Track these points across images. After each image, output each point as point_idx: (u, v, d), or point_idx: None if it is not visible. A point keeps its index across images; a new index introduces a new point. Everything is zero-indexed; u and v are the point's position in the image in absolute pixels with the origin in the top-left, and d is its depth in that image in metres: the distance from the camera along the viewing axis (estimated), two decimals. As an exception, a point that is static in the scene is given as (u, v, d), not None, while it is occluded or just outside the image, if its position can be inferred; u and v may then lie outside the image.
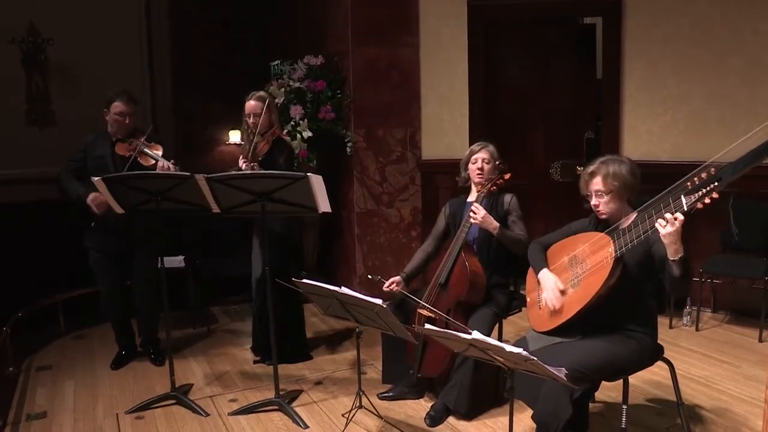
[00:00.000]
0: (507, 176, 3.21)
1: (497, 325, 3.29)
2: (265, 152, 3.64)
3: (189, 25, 5.84)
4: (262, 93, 3.72)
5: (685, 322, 4.38)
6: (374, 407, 3.15)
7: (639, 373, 2.64)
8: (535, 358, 2.00)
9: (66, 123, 5.27)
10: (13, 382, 3.68)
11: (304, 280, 2.85)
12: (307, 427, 3.08)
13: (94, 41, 5.35)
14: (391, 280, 3.31)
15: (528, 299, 2.82)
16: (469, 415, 3.08)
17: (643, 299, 2.56)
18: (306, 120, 4.60)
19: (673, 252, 2.26)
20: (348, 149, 4.72)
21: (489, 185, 3.20)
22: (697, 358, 3.82)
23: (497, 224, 3.13)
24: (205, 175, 3.10)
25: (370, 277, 3.56)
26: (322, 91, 4.66)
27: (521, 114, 5.18)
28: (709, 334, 4.25)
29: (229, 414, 3.23)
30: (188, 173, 3.14)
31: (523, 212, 3.32)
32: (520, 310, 3.30)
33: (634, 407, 3.13)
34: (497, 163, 3.24)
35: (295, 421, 3.11)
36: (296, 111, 4.59)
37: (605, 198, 2.53)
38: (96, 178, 3.21)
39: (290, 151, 3.80)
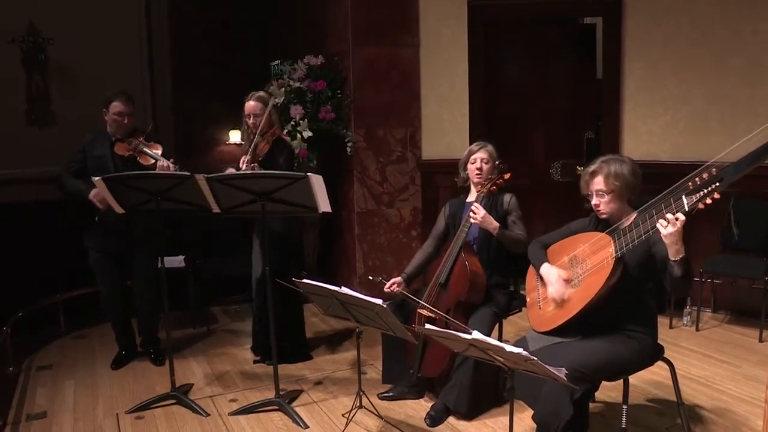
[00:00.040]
0: (507, 176, 3.21)
1: (497, 325, 3.29)
2: (266, 152, 3.64)
3: (189, 25, 5.84)
4: (261, 93, 3.72)
5: (685, 322, 4.38)
6: (374, 407, 3.15)
7: (639, 373, 2.64)
8: (536, 358, 2.00)
9: (66, 123, 5.27)
10: (13, 382, 3.68)
11: (305, 280, 2.85)
12: (307, 427, 3.08)
13: (94, 41, 5.35)
14: (392, 281, 3.31)
15: (528, 299, 2.82)
16: (469, 415, 3.08)
17: (643, 299, 2.56)
18: (306, 120, 4.60)
19: (674, 252, 2.26)
20: (348, 149, 4.72)
21: (489, 185, 3.20)
22: (698, 358, 3.82)
23: (497, 224, 3.13)
24: (205, 175, 3.10)
25: (371, 278, 3.57)
26: (322, 91, 4.66)
27: (521, 114, 5.18)
28: (710, 334, 4.25)
29: (229, 414, 3.23)
30: (188, 173, 3.14)
31: (523, 212, 3.32)
32: (520, 310, 3.30)
33: (634, 407, 3.13)
34: (497, 163, 3.24)
35: (295, 421, 3.11)
36: (296, 111, 4.59)
37: (606, 198, 2.52)
38: (96, 178, 3.21)
39: (290, 151, 3.79)
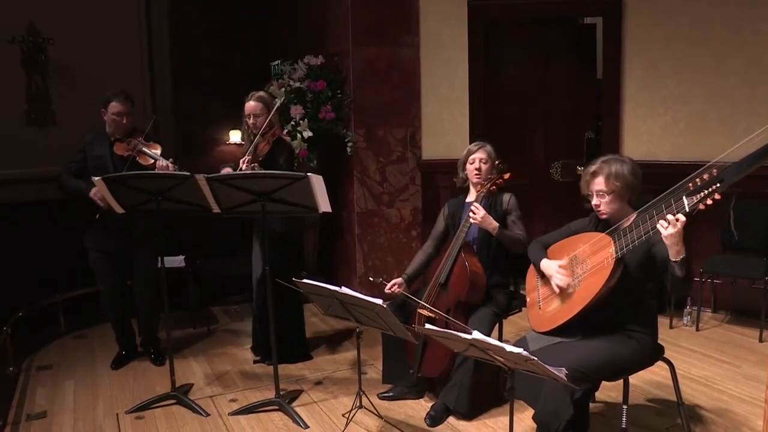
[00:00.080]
0: (506, 176, 3.21)
1: (497, 325, 3.29)
2: (266, 153, 3.64)
3: (189, 25, 5.84)
4: (262, 93, 3.72)
5: (685, 322, 4.38)
6: (374, 407, 3.15)
7: (639, 373, 2.64)
8: (536, 358, 2.00)
9: (66, 123, 5.27)
10: (13, 382, 3.68)
11: (305, 280, 2.85)
12: (307, 427, 3.08)
13: (94, 41, 5.35)
14: (392, 282, 3.31)
15: (528, 299, 2.82)
16: (470, 415, 3.08)
17: (643, 299, 2.55)
18: (306, 120, 4.60)
19: (675, 253, 2.25)
20: (348, 149, 4.72)
21: (489, 185, 3.19)
22: (698, 358, 3.82)
23: (496, 224, 3.13)
24: (206, 175, 3.10)
25: (372, 279, 3.57)
26: (323, 91, 4.66)
27: (521, 114, 5.18)
28: (710, 334, 4.25)
29: (229, 414, 3.23)
30: (188, 173, 3.14)
31: (523, 212, 3.32)
32: (520, 310, 3.30)
33: (634, 407, 3.13)
34: (496, 162, 3.24)
35: (295, 421, 3.11)
36: (296, 111, 4.59)
37: (607, 198, 2.52)
38: (96, 178, 3.22)
39: (290, 151, 3.79)
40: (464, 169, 3.32)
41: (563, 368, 2.07)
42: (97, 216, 3.70)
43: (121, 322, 3.93)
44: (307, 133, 4.58)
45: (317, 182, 3.00)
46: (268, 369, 3.68)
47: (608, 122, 4.91)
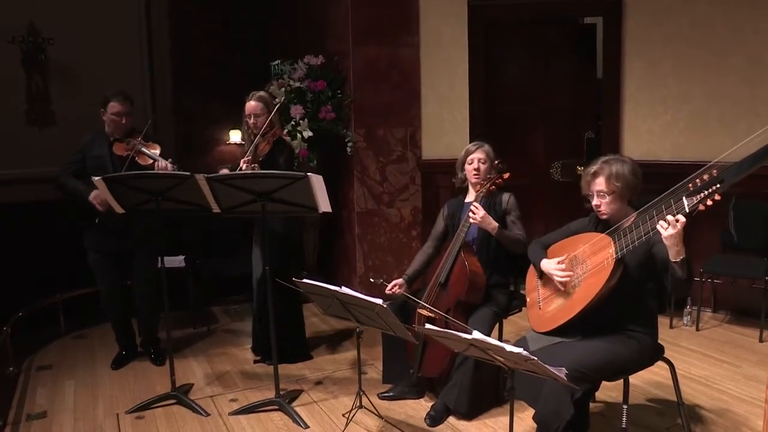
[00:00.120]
0: (506, 176, 3.21)
1: (497, 324, 3.29)
2: (266, 153, 3.64)
3: (189, 25, 5.84)
4: (262, 93, 3.72)
5: (685, 321, 4.38)
6: (374, 407, 3.15)
7: (639, 373, 2.64)
8: (536, 358, 2.00)
9: (66, 123, 5.26)
10: (13, 382, 3.68)
11: (305, 280, 2.85)
12: (307, 426, 3.08)
13: (94, 41, 5.34)
14: (393, 282, 3.31)
15: (528, 299, 2.82)
16: (470, 414, 3.08)
17: (643, 300, 2.55)
18: (306, 120, 4.60)
19: (675, 254, 2.25)
20: (348, 149, 4.72)
21: (488, 185, 3.19)
22: (698, 358, 3.82)
23: (496, 224, 3.13)
24: (206, 175, 3.09)
25: (372, 280, 3.57)
26: (323, 91, 4.65)
27: (521, 114, 5.18)
28: (710, 334, 4.25)
29: (229, 414, 3.23)
30: (188, 173, 3.13)
31: (523, 212, 3.32)
32: (520, 310, 3.30)
33: (634, 407, 3.13)
34: (496, 162, 3.23)
35: (295, 421, 3.11)
36: (296, 111, 4.59)
37: (607, 198, 2.52)
38: (96, 178, 3.21)
39: (290, 151, 3.79)
40: (463, 169, 3.32)
41: (563, 368, 2.07)
42: (97, 221, 3.70)
43: (121, 322, 3.93)
44: (307, 133, 4.58)
45: (317, 182, 3.00)
46: (268, 369, 3.68)
47: (608, 122, 4.91)
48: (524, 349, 2.06)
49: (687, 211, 2.20)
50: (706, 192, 2.16)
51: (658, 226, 2.24)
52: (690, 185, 2.23)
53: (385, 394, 3.33)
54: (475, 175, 3.25)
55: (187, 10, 5.82)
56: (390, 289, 3.30)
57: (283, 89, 4.64)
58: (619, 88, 4.81)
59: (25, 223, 4.85)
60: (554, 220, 4.48)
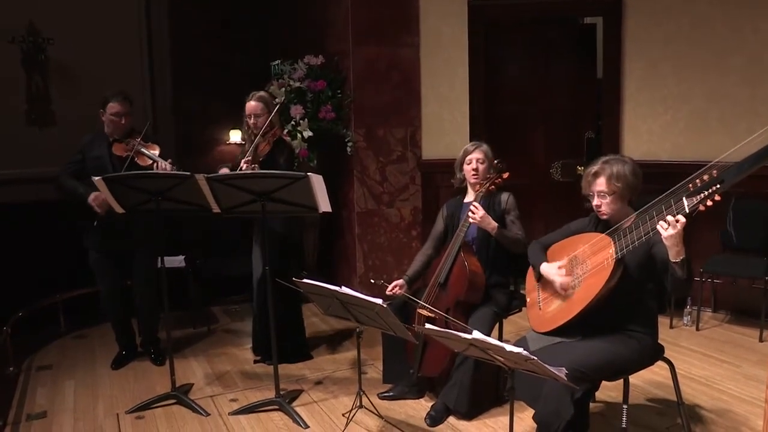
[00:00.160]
0: (505, 175, 3.20)
1: (497, 324, 3.29)
2: (266, 153, 3.63)
3: (189, 25, 5.84)
4: (262, 93, 3.72)
5: (685, 321, 4.38)
6: (374, 407, 3.15)
7: (639, 373, 2.64)
8: (536, 358, 2.00)
9: (66, 123, 5.27)
10: (13, 382, 3.68)
11: (305, 280, 2.85)
12: (307, 426, 3.08)
13: (94, 41, 5.35)
14: (393, 283, 3.32)
15: (528, 299, 2.82)
16: (470, 414, 3.08)
17: (643, 300, 2.55)
18: (306, 120, 4.60)
19: (675, 254, 2.25)
20: (348, 149, 4.72)
21: (488, 184, 3.19)
22: (698, 358, 3.82)
23: (495, 224, 3.13)
24: (206, 175, 3.09)
25: (373, 281, 3.57)
26: (323, 90, 4.66)
27: (521, 114, 5.18)
28: (710, 333, 4.25)
29: (229, 414, 3.23)
30: (188, 173, 3.13)
31: (523, 212, 3.32)
32: (520, 310, 3.30)
33: (634, 407, 3.12)
34: (495, 162, 3.23)
35: (295, 421, 3.11)
36: (296, 111, 4.59)
37: (608, 199, 2.52)
38: (96, 178, 3.21)
39: (291, 151, 3.79)
40: (461, 169, 3.32)
41: (563, 368, 2.07)
42: (95, 223, 3.70)
43: (121, 322, 3.93)
44: (307, 133, 4.58)
45: (317, 182, 3.00)
46: (268, 369, 3.68)
47: (608, 122, 4.91)
48: (524, 349, 2.06)
49: (687, 211, 2.20)
50: (706, 192, 2.16)
51: (658, 227, 2.24)
52: (690, 185, 2.23)
53: (385, 394, 3.33)
54: (473, 175, 3.25)
55: (187, 10, 5.82)
56: (390, 290, 3.30)
57: (283, 89, 4.64)
58: (619, 88, 4.81)
59: (25, 223, 4.85)
60: (554, 220, 4.47)
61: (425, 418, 3.07)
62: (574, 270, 2.58)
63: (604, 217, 2.57)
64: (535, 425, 2.47)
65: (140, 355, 3.99)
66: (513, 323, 4.01)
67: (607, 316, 2.51)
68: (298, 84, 4.64)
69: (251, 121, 3.63)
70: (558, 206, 5.03)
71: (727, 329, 4.32)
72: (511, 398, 2.27)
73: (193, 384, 3.60)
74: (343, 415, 3.15)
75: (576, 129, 5.13)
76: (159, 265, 3.34)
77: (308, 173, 2.99)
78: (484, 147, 3.28)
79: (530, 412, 2.54)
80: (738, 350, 3.92)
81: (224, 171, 3.58)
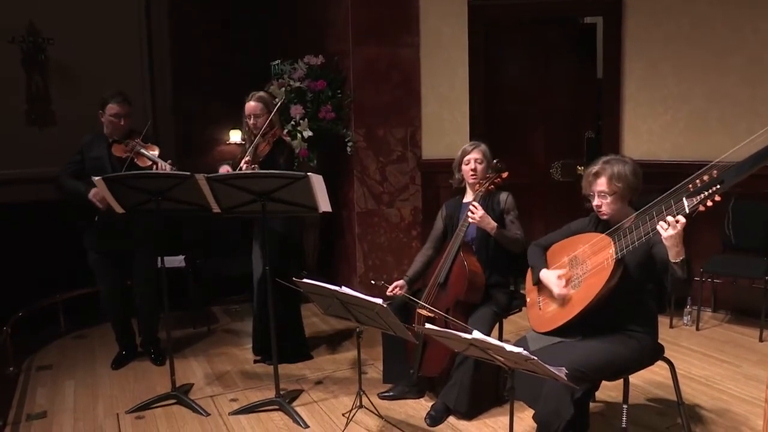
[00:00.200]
0: (504, 175, 3.20)
1: (497, 324, 3.29)
2: (266, 153, 3.63)
3: (189, 25, 5.84)
4: (262, 93, 3.71)
5: (685, 321, 4.38)
6: (375, 407, 3.15)
7: (639, 373, 2.64)
8: (536, 358, 2.00)
9: (66, 123, 5.26)
10: (13, 382, 3.68)
11: (305, 280, 2.85)
12: (307, 426, 3.08)
13: (94, 41, 5.35)
14: (394, 284, 3.32)
15: (528, 299, 2.82)
16: (470, 414, 3.08)
17: (643, 300, 2.55)
18: (306, 119, 4.60)
19: (674, 254, 2.25)
20: (348, 149, 4.72)
21: (487, 184, 3.19)
22: (698, 358, 3.82)
23: (495, 224, 3.13)
24: (206, 175, 3.09)
25: (373, 282, 3.57)
26: (323, 90, 4.65)
27: (522, 114, 5.18)
28: (710, 333, 4.25)
29: (229, 413, 3.23)
30: (188, 173, 3.13)
31: (523, 212, 3.33)
32: (521, 310, 3.30)
33: (634, 407, 3.13)
34: (494, 161, 3.23)
35: (295, 421, 3.11)
36: (296, 111, 4.59)
37: (608, 199, 2.52)
38: (96, 178, 3.21)
39: (291, 151, 3.79)
40: (460, 170, 3.31)
41: (563, 368, 2.07)
42: (96, 218, 3.70)
43: (121, 322, 3.93)
44: (307, 133, 4.58)
45: (317, 182, 3.00)
46: (268, 369, 3.68)
47: (608, 122, 4.91)
48: (524, 349, 2.06)
49: (687, 212, 2.20)
50: (706, 193, 2.16)
51: (658, 227, 2.24)
52: (690, 186, 2.23)
53: (386, 394, 3.33)
54: (472, 175, 3.25)
55: (187, 10, 5.82)
56: (391, 291, 3.30)
57: (283, 89, 4.64)
58: (619, 88, 4.81)
59: (25, 223, 4.85)
60: (554, 220, 4.48)
61: (425, 418, 3.07)
62: (574, 270, 2.58)
63: (605, 217, 2.57)
64: (535, 425, 2.47)
65: (140, 355, 3.99)
66: (513, 323, 4.01)
67: (607, 316, 2.51)
68: (298, 84, 4.64)
69: (251, 122, 3.62)
70: (558, 206, 5.04)
71: (727, 329, 4.32)
72: (511, 398, 2.27)
73: (193, 384, 3.60)
74: (343, 414, 3.15)
75: (576, 129, 5.13)
76: (159, 265, 3.34)
77: (308, 173, 2.99)
78: (482, 147, 3.28)
79: (530, 412, 2.54)
80: (738, 350, 3.92)
81: (225, 169, 3.58)
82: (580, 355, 2.38)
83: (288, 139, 4.30)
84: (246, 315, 4.70)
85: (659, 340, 2.64)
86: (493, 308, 3.17)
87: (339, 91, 4.72)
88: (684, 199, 2.21)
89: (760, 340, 4.06)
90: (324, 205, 3.07)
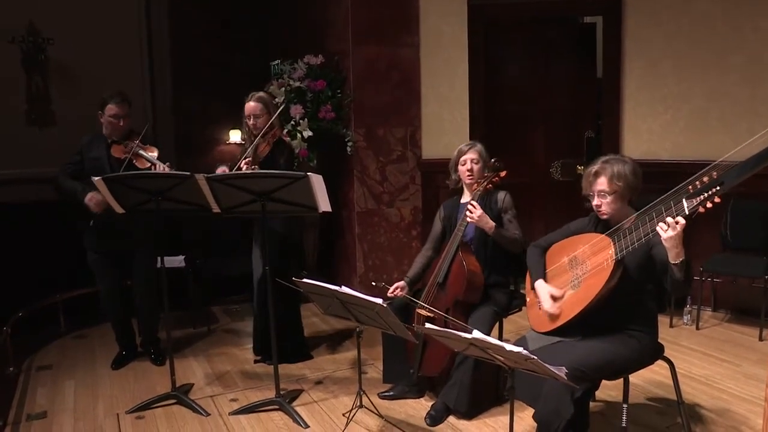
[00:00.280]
0: (503, 174, 3.20)
1: (497, 324, 3.29)
2: (266, 153, 3.63)
3: (189, 25, 5.84)
4: (261, 94, 3.71)
5: (685, 320, 4.38)
6: (375, 407, 3.15)
7: (639, 372, 2.64)
8: (536, 357, 2.00)
9: (66, 123, 5.27)
10: (13, 382, 3.68)
11: (305, 280, 2.85)
12: (307, 426, 3.08)
13: (94, 41, 5.35)
14: (395, 285, 3.32)
15: (528, 299, 2.82)
16: (470, 414, 3.08)
17: (643, 300, 2.55)
18: (306, 119, 4.60)
19: (674, 255, 2.25)
20: (348, 149, 4.72)
21: (485, 183, 3.19)
22: (698, 357, 3.82)
23: (493, 224, 3.12)
24: (205, 175, 3.09)
25: (374, 283, 3.56)
26: (323, 90, 4.65)
27: (521, 113, 5.18)
28: (710, 332, 4.25)
29: (229, 413, 3.23)
30: (188, 173, 3.13)
31: (523, 211, 3.33)
32: (520, 310, 3.30)
33: (634, 406, 3.13)
34: (492, 161, 3.23)
35: (295, 421, 3.11)
36: (296, 110, 4.59)
37: (608, 199, 2.52)
38: (96, 178, 3.21)
39: (291, 151, 3.79)
40: (456, 170, 3.31)
41: (563, 367, 2.07)
42: (91, 223, 3.70)
43: (121, 322, 3.93)
44: (307, 133, 4.58)
45: (317, 182, 3.00)
46: (268, 368, 3.68)
47: (608, 121, 4.91)
48: (524, 349, 2.06)
49: (687, 213, 2.19)
50: (706, 194, 2.16)
51: (657, 228, 2.24)
52: (690, 187, 2.23)
53: (386, 394, 3.33)
54: (468, 176, 3.24)
55: (187, 10, 5.82)
56: (392, 292, 3.30)
57: (283, 89, 4.64)
58: (619, 88, 4.81)
59: (25, 223, 4.85)
60: (554, 220, 4.48)
61: (425, 418, 3.07)
62: (573, 270, 2.58)
63: (604, 216, 2.57)
64: (535, 425, 2.47)
65: (140, 355, 3.99)
66: (513, 323, 4.01)
67: (607, 316, 2.51)
68: (297, 84, 4.64)
69: (251, 122, 3.62)
70: (558, 206, 5.04)
71: (727, 328, 4.32)
72: (511, 398, 2.27)
73: (193, 384, 3.60)
74: (343, 414, 3.15)
75: (576, 129, 5.13)
76: (159, 265, 3.34)
77: (308, 173, 2.99)
78: (479, 147, 3.28)
79: (530, 411, 2.54)
80: (738, 349, 3.92)
81: (222, 170, 3.57)
82: (580, 354, 2.38)
83: (288, 139, 4.30)
84: (246, 315, 4.70)
85: (659, 340, 2.64)
86: (493, 308, 3.17)
87: (339, 91, 4.72)
88: (684, 200, 2.21)
89: (760, 339, 4.06)
90: (324, 205, 3.07)
